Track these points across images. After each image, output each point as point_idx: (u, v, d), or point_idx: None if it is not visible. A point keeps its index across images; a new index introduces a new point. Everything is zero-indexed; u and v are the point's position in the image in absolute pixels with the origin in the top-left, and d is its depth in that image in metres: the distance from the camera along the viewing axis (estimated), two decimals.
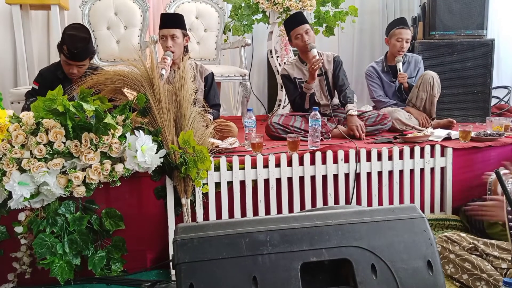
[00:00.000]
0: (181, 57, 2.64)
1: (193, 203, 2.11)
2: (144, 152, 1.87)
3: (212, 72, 2.81)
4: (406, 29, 3.19)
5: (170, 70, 2.56)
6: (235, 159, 2.18)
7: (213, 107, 2.72)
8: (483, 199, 2.33)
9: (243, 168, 2.19)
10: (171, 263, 2.03)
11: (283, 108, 3.80)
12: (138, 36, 3.62)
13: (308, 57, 2.79)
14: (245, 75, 3.60)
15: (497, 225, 2.20)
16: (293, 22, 2.90)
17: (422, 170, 2.46)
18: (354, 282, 1.09)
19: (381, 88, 3.32)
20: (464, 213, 2.46)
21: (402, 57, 3.24)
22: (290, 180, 2.26)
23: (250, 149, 2.32)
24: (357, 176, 2.35)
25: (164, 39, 2.62)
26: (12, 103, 3.03)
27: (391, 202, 2.40)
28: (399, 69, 3.17)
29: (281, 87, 3.86)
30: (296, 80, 2.95)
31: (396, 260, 1.12)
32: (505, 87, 4.55)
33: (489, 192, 2.21)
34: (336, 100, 3.01)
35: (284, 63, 3.79)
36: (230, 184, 2.18)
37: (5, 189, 1.79)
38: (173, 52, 2.58)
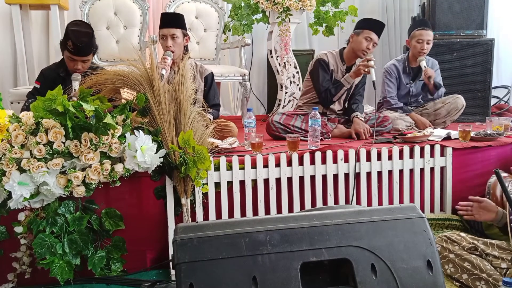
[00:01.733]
0: (181, 57, 2.64)
1: (193, 203, 2.11)
2: (143, 152, 1.87)
3: (212, 72, 2.81)
4: (427, 30, 3.13)
5: (170, 70, 2.56)
6: (235, 159, 2.18)
7: (213, 107, 2.72)
8: (469, 198, 2.33)
9: (243, 168, 2.19)
10: (171, 263, 2.03)
11: (283, 108, 3.80)
12: (138, 36, 3.62)
13: (358, 56, 2.80)
14: (244, 75, 3.59)
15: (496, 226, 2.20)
16: (375, 27, 2.82)
17: (421, 170, 2.46)
18: (354, 282, 1.09)
19: (396, 89, 3.27)
20: None
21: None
22: (290, 180, 2.26)
23: (250, 149, 2.32)
24: (357, 176, 2.35)
25: (164, 38, 2.61)
26: (11, 103, 3.03)
27: (391, 202, 2.41)
28: (424, 66, 3.08)
29: (281, 87, 3.86)
30: (333, 72, 2.88)
31: (396, 260, 1.12)
32: (504, 86, 4.56)
33: (487, 196, 2.21)
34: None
35: (284, 63, 3.79)
36: (230, 184, 2.18)
37: (5, 189, 1.79)
38: (173, 52, 2.58)
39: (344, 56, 2.90)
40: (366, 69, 2.69)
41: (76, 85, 2.40)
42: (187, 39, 2.70)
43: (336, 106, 2.96)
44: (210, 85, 2.77)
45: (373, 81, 2.66)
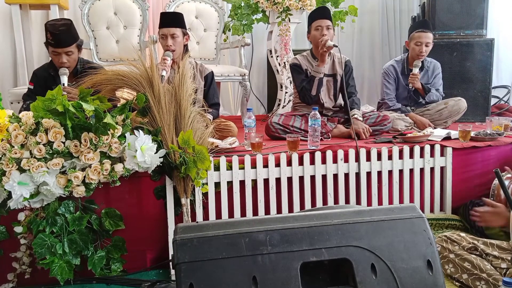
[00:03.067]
0: (181, 56, 2.65)
1: (192, 203, 2.11)
2: (143, 152, 1.87)
3: (212, 71, 2.81)
4: (426, 32, 3.10)
5: (170, 69, 2.56)
6: (235, 159, 2.18)
7: (213, 106, 2.72)
8: (482, 200, 2.33)
9: (243, 168, 2.19)
10: (170, 263, 2.03)
11: (282, 107, 3.80)
12: (138, 36, 3.62)
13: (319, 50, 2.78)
14: (244, 74, 3.59)
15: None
16: (319, 14, 2.88)
17: (421, 170, 2.45)
18: (354, 282, 1.09)
19: (395, 90, 3.27)
20: (463, 213, 2.46)
21: (423, 61, 3.17)
22: (289, 180, 2.26)
23: (250, 149, 2.32)
24: (357, 176, 2.35)
25: (164, 38, 2.62)
26: (11, 103, 3.03)
27: (390, 201, 2.40)
28: (413, 72, 3.08)
29: (281, 87, 3.86)
30: (307, 71, 2.91)
31: (396, 260, 1.12)
32: (504, 86, 4.56)
33: (492, 198, 2.21)
34: (339, 102, 3.02)
35: (284, 63, 3.79)
36: (229, 184, 2.18)
37: (5, 189, 1.78)
38: (173, 51, 2.59)
39: (314, 54, 2.94)
40: (325, 48, 2.71)
41: (64, 79, 2.41)
42: (187, 38, 2.70)
43: (329, 103, 2.96)
44: (210, 84, 2.77)
45: (335, 45, 2.71)
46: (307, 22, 2.96)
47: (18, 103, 2.95)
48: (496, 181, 2.25)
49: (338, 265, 1.13)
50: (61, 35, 2.43)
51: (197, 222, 1.18)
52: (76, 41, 2.52)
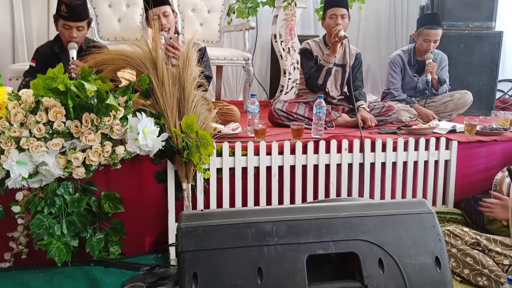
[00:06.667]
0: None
1: (193, 188, 2.08)
2: (146, 135, 1.83)
3: (204, 47, 2.77)
4: (435, 29, 3.03)
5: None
6: (238, 145, 2.14)
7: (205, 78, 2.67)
8: (485, 195, 2.32)
9: (246, 155, 2.15)
10: (169, 248, 2.01)
11: (285, 94, 3.75)
12: (140, 15, 3.54)
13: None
14: (248, 59, 3.53)
15: (497, 222, 2.19)
16: (334, 1, 2.81)
17: (426, 163, 2.43)
18: (360, 276, 1.07)
19: (401, 80, 3.23)
20: (465, 208, 2.44)
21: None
22: (292, 168, 2.23)
23: (253, 135, 2.28)
24: (360, 166, 2.32)
25: (156, 18, 2.57)
26: (10, 79, 2.98)
27: (393, 193, 2.38)
28: (429, 62, 3.05)
29: (284, 73, 3.81)
30: (318, 58, 2.87)
31: (404, 256, 1.10)
32: (509, 80, 4.51)
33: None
34: (344, 91, 2.98)
35: (288, 48, 3.73)
36: (232, 170, 2.15)
37: (3, 168, 1.75)
38: (168, 29, 2.56)
39: (327, 42, 2.88)
40: (337, 38, 2.65)
41: (73, 53, 2.38)
42: (175, 15, 2.69)
43: (334, 92, 2.92)
44: (202, 57, 2.72)
45: (345, 36, 2.64)
46: (323, 8, 2.89)
47: (17, 79, 2.89)
48: (498, 176, 2.24)
49: (345, 259, 1.11)
50: (76, 8, 2.41)
51: (202, 210, 1.15)
52: (88, 18, 2.52)
